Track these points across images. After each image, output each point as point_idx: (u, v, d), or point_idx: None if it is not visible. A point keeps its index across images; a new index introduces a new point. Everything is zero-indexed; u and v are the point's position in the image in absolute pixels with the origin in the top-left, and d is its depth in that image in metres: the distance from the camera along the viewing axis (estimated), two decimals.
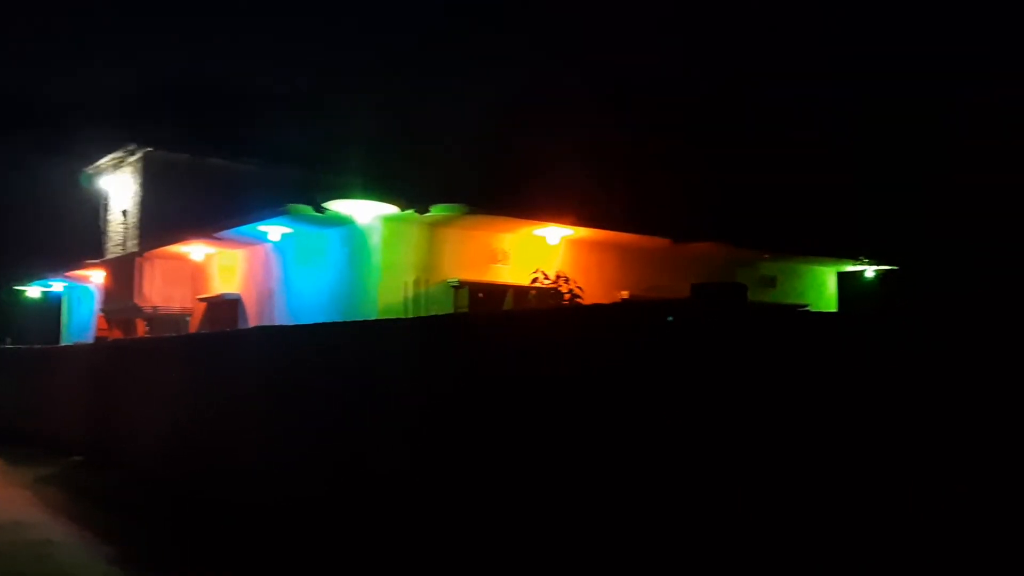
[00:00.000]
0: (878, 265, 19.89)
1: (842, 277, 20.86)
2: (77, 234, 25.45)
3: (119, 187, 23.02)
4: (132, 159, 22.12)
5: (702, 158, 26.56)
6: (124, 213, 22.60)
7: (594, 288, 13.66)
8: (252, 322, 17.08)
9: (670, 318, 5.50)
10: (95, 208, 24.48)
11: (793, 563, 4.90)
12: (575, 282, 11.13)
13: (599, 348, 6.03)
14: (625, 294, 16.40)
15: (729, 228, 17.87)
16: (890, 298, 20.27)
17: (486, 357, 7.07)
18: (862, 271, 20.28)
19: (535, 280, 11.29)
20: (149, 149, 21.54)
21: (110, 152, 22.83)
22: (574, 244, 16.13)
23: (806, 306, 18.99)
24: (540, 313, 9.36)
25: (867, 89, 29.80)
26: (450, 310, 14.42)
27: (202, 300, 19.30)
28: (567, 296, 11.09)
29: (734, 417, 5.14)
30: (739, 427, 5.12)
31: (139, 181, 21.83)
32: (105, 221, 23.83)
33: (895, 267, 20.20)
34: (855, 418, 4.78)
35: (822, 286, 20.43)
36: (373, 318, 13.20)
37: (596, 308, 6.70)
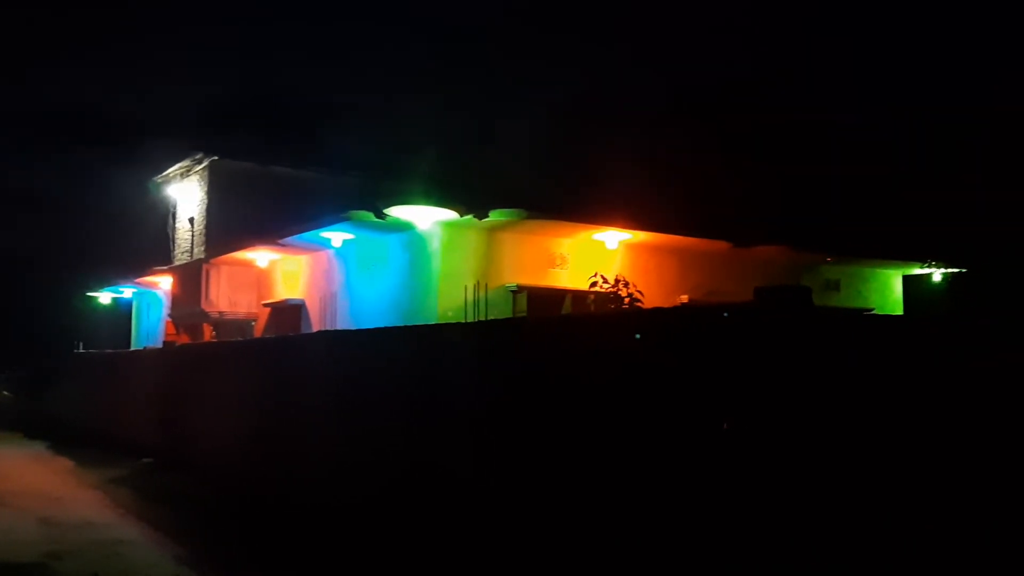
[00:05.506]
0: (946, 268, 19.34)
1: (908, 280, 20.37)
2: (146, 242, 26.12)
3: (186, 195, 23.56)
4: (199, 168, 22.62)
5: (762, 160, 26.18)
6: (191, 221, 23.12)
7: (653, 293, 13.55)
8: (315, 326, 17.33)
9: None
10: (163, 216, 25.08)
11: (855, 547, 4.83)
12: (634, 286, 11.05)
13: (661, 352, 5.99)
14: (685, 298, 16.26)
15: (791, 231, 17.58)
16: (958, 302, 19.67)
17: (547, 361, 7.08)
18: (929, 274, 19.75)
19: (594, 284, 11.22)
20: (215, 158, 22.01)
21: (177, 161, 23.40)
22: (633, 248, 16.06)
23: (871, 310, 18.61)
24: (601, 317, 9.34)
25: (935, 84, 29.07)
26: (509, 314, 14.46)
27: (267, 305, 19.66)
28: (627, 300, 11.01)
29: (806, 421, 5.07)
30: (808, 431, 5.05)
31: (205, 189, 22.32)
32: (173, 229, 24.41)
33: (963, 270, 19.61)
34: (924, 422, 4.69)
35: (887, 290, 20.01)
36: (433, 322, 13.33)
37: (657, 312, 6.67)
